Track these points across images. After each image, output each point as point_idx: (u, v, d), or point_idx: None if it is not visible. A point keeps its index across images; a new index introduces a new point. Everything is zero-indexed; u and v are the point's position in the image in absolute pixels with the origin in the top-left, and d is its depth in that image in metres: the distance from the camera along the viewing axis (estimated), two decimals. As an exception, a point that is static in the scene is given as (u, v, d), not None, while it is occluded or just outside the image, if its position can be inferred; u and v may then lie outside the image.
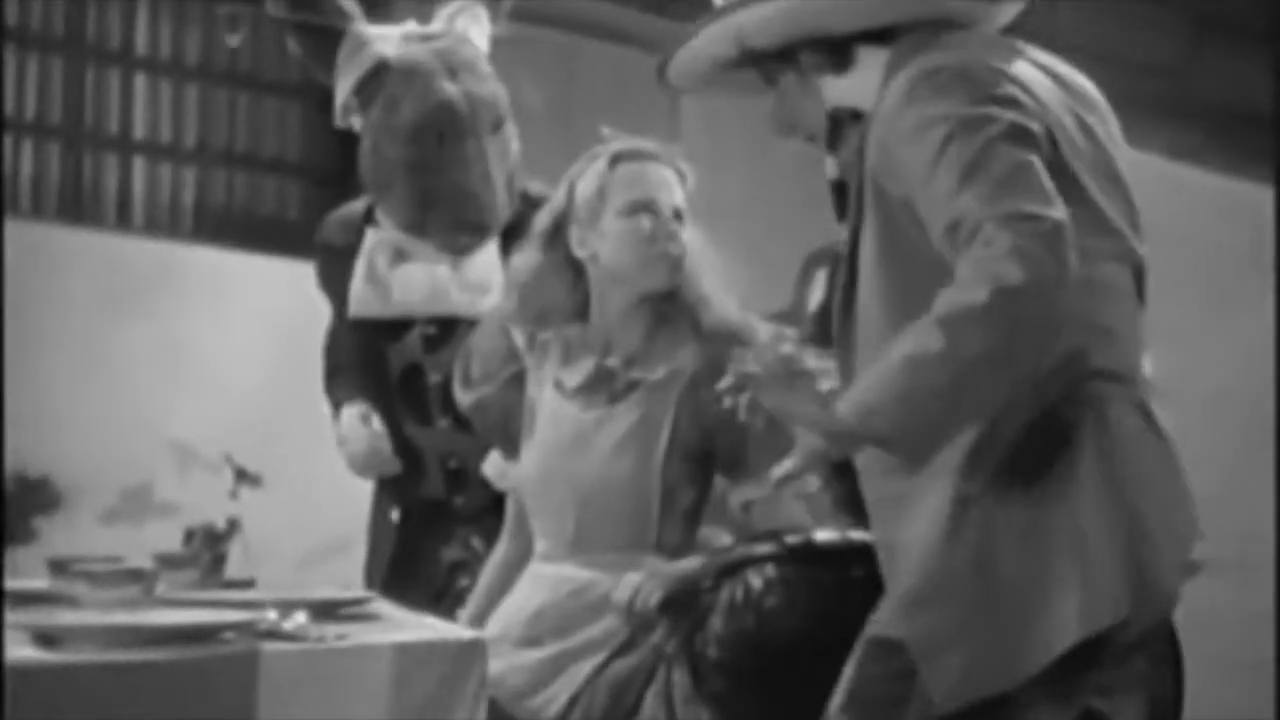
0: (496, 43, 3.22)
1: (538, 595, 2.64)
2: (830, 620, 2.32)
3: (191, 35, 6.69)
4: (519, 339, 2.76)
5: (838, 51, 2.24)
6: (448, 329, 3.10)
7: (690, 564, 2.54)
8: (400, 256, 3.14)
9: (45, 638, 1.78)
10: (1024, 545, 2.03)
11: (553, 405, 2.71)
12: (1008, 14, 2.33)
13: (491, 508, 2.95)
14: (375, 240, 3.16)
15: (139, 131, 6.60)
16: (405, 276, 3.14)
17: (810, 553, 2.47)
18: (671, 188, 2.69)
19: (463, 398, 2.83)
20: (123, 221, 6.55)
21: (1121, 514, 2.03)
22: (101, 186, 6.54)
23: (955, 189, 1.97)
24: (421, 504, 3.20)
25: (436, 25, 3.21)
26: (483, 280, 3.11)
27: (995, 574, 2.04)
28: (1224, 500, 5.64)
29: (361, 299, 3.15)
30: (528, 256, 2.75)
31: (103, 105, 6.55)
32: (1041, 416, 2.06)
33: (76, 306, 5.91)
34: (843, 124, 2.28)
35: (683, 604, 2.48)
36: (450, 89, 3.08)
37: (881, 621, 2.17)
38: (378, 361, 3.19)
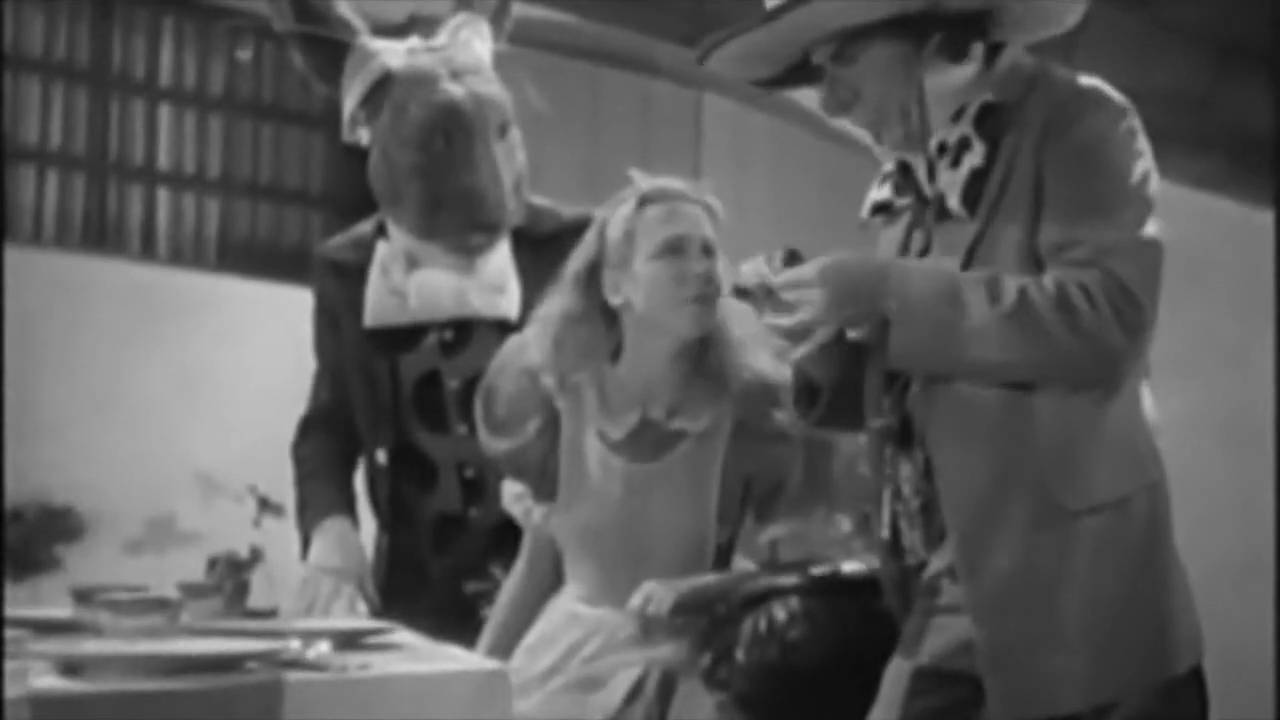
0: (499, 57, 3.23)
1: (572, 632, 2.63)
2: (855, 652, 2.31)
3: (215, 66, 6.73)
4: (550, 382, 2.73)
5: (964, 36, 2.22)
6: (464, 333, 3.09)
7: (705, 579, 2.54)
8: (414, 264, 3.14)
9: (69, 666, 1.78)
10: (1138, 569, 2.09)
11: (599, 457, 2.68)
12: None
13: (508, 524, 2.91)
14: (387, 251, 3.16)
15: (163, 162, 6.64)
16: (422, 282, 3.13)
17: (835, 584, 2.46)
18: (701, 224, 2.65)
19: (492, 444, 2.79)
20: (147, 252, 6.58)
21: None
22: (126, 217, 6.58)
23: (1094, 222, 2.06)
24: (433, 520, 3.16)
25: (440, 39, 3.23)
26: (498, 281, 3.11)
27: (1099, 593, 2.07)
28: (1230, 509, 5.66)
29: (379, 308, 3.14)
30: (559, 302, 2.71)
31: (127, 136, 6.59)
32: (1140, 445, 2.14)
33: (101, 336, 5.94)
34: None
35: (692, 614, 2.47)
36: (455, 90, 3.08)
37: (937, 654, 2.15)
38: (387, 379, 3.16)
